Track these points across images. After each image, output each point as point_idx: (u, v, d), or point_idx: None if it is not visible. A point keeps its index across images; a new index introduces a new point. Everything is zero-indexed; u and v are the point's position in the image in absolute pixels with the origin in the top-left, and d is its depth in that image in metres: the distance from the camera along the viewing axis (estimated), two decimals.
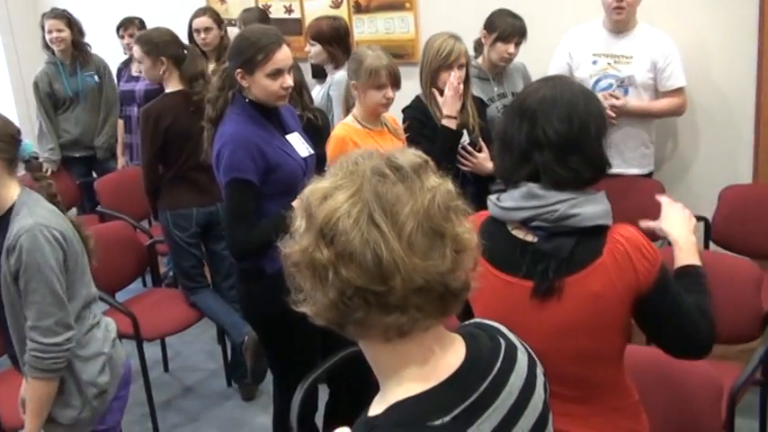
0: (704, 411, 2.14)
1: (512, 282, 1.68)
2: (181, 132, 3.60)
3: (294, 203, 1.13)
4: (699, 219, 3.64)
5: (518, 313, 1.64)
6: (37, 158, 2.33)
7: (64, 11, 5.00)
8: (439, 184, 1.05)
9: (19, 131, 2.30)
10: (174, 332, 3.79)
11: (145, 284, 4.78)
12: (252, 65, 2.55)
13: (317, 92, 4.24)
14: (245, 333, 3.45)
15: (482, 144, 3.30)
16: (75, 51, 5.01)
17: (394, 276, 0.99)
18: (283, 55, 2.58)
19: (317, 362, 2.71)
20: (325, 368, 2.63)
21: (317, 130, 3.39)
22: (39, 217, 2.17)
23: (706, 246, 3.70)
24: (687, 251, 1.82)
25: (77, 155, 5.16)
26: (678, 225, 1.87)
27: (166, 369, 4.21)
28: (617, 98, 3.54)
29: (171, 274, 4.81)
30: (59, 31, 4.90)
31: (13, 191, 2.23)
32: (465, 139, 3.31)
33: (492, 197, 1.74)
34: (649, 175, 3.82)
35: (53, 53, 4.99)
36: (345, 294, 1.00)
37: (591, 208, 1.63)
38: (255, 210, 2.54)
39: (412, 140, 3.19)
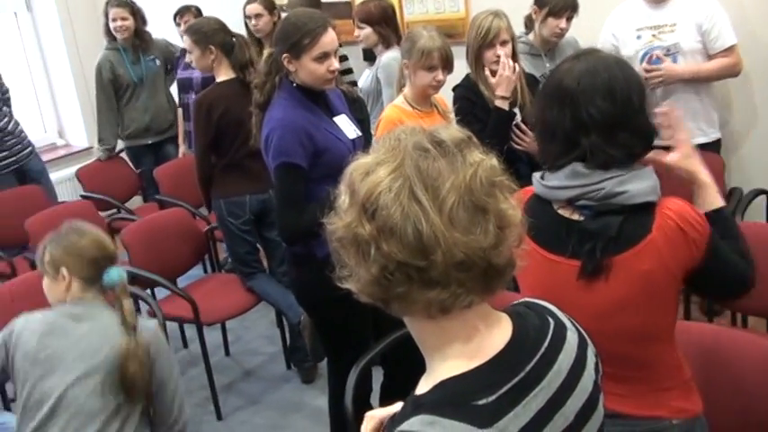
0: (764, 392, 2.07)
1: (558, 261, 1.65)
2: (233, 120, 3.62)
3: None
4: (761, 192, 3.56)
5: (564, 292, 1.61)
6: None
7: None
8: (482, 160, 1.04)
9: (110, 257, 2.37)
10: (233, 316, 3.85)
11: (206, 270, 4.86)
12: (298, 49, 2.55)
13: (366, 75, 4.24)
14: (302, 313, 3.48)
15: None
16: (137, 40, 5.10)
17: (434, 250, 0.98)
18: (330, 38, 2.58)
19: (371, 344, 2.73)
20: (379, 350, 2.64)
21: (354, 101, 3.41)
22: (19, 320, 2.32)
23: None
24: (715, 193, 1.74)
25: (150, 141, 5.27)
26: (699, 163, 1.76)
27: (227, 353, 4.28)
28: (658, 68, 3.43)
29: (230, 260, 4.89)
30: (123, 19, 5.00)
31: (69, 298, 2.33)
32: (517, 116, 3.26)
33: (536, 175, 1.70)
34: (717, 142, 3.70)
35: (113, 39, 5.09)
36: (387, 269, 1.00)
37: (638, 184, 1.58)
38: (304, 193, 2.55)
39: (462, 121, 3.15)
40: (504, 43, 3.13)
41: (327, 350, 2.97)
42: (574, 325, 1.19)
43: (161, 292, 3.93)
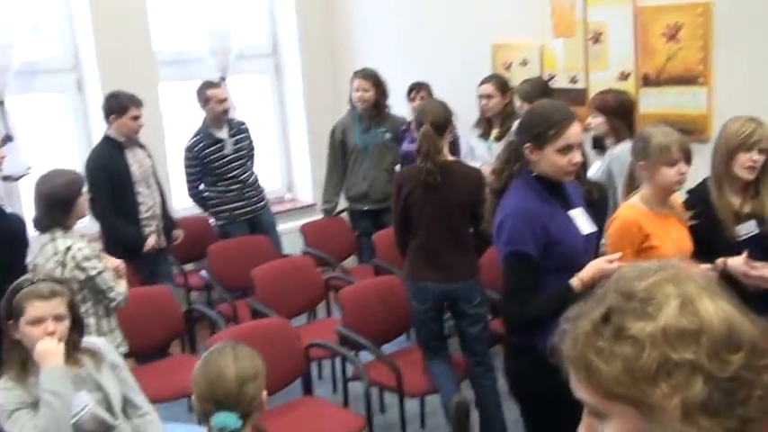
0: None
1: None
2: (415, 203, 3.74)
3: None
4: None
5: None
6: None
7: (373, 72, 5.30)
8: None
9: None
10: (434, 392, 3.85)
11: (408, 338, 4.92)
12: (543, 140, 2.56)
13: (597, 167, 4.17)
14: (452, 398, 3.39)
15: None
16: (374, 111, 5.31)
17: None
18: (574, 131, 2.58)
19: None
20: None
21: (592, 204, 3.33)
22: None
23: None
24: None
25: (365, 208, 5.46)
26: None
27: (423, 425, 4.27)
28: None
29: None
30: (365, 90, 5.24)
31: None
32: (752, 229, 3.07)
33: None
34: None
35: (354, 107, 5.36)
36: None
37: None
38: (534, 284, 2.53)
39: (690, 227, 3.03)
40: (762, 151, 3.00)
41: None
42: None
43: (364, 355, 4.02)
